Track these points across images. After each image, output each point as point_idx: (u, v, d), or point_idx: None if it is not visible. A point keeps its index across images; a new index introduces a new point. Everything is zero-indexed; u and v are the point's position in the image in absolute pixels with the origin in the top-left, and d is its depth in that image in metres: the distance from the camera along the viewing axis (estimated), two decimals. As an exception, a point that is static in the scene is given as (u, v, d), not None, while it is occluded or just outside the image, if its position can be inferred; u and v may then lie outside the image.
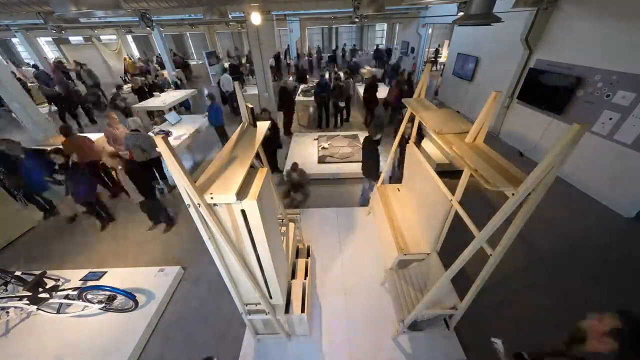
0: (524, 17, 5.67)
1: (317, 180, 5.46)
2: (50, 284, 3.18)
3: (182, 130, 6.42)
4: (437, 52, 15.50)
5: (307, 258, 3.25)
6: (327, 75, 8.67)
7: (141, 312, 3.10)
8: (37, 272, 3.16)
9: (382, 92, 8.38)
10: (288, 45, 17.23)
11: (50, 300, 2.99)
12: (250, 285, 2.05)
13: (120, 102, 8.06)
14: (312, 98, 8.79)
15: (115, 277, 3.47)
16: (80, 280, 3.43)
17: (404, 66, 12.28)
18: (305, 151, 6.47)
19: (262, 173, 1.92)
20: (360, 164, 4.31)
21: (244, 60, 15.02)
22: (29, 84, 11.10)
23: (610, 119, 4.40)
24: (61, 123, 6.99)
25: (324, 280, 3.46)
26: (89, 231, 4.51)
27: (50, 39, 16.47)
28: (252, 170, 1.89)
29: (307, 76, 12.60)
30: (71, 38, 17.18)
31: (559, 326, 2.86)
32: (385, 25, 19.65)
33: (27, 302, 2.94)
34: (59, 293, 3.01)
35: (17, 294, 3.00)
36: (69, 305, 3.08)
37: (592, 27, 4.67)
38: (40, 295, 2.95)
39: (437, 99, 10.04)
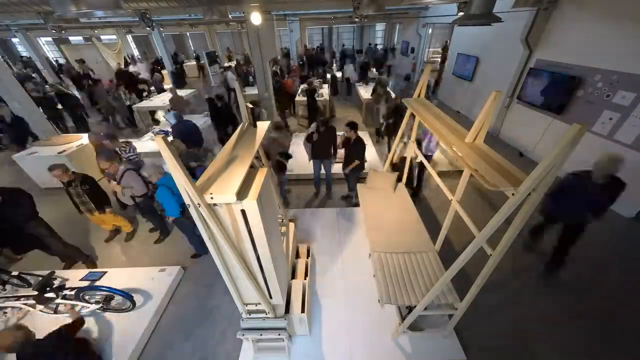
0: (524, 17, 5.66)
1: (317, 180, 5.43)
2: (55, 283, 3.17)
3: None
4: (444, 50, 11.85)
5: (307, 258, 3.26)
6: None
7: (141, 312, 3.10)
8: (36, 272, 3.16)
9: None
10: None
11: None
12: (250, 285, 2.05)
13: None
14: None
15: (115, 277, 3.46)
16: (80, 280, 3.42)
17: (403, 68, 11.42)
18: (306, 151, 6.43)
19: (262, 173, 1.92)
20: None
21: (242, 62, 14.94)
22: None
23: (611, 119, 4.40)
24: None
25: (324, 280, 3.45)
26: (89, 232, 4.51)
27: (50, 39, 16.46)
28: (252, 170, 1.89)
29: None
30: (71, 38, 17.16)
31: (558, 326, 2.89)
32: (385, 25, 19.64)
33: (34, 301, 2.95)
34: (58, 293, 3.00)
35: (25, 294, 2.99)
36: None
37: (592, 27, 4.66)
38: (46, 295, 2.95)
39: (437, 99, 10.02)
